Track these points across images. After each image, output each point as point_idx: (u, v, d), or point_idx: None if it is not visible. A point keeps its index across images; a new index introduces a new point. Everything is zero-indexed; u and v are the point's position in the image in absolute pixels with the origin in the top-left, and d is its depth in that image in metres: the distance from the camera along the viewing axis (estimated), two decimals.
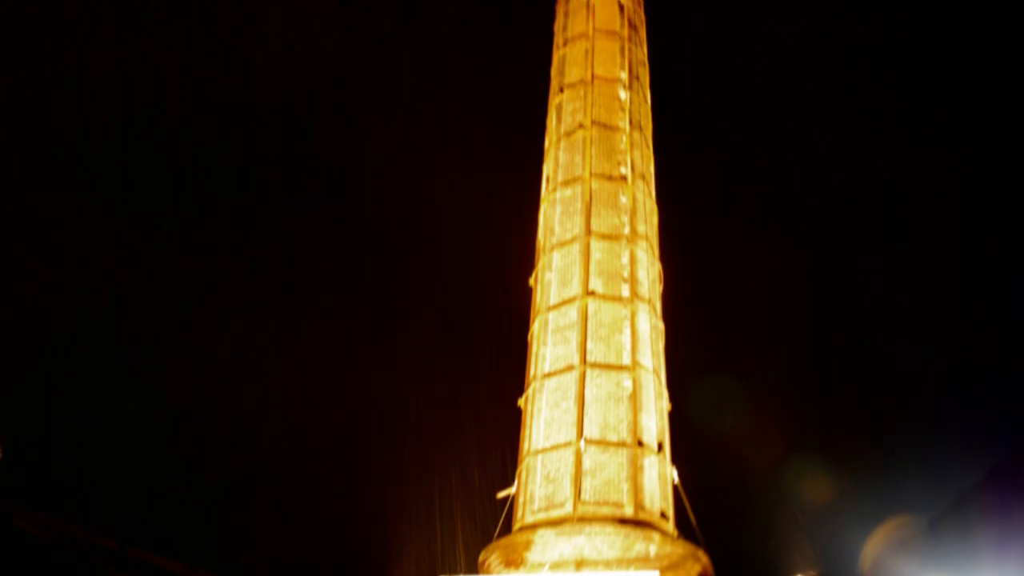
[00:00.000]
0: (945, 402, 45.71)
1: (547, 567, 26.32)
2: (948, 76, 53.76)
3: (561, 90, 33.13)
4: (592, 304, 28.42)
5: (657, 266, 30.69)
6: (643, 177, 31.43)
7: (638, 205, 30.52)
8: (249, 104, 54.31)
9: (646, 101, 33.66)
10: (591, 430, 26.79)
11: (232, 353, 49.42)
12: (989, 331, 48.05)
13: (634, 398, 27.35)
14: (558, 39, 34.78)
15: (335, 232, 54.70)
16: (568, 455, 26.68)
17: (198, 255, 52.38)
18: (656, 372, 28.71)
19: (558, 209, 30.64)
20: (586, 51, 33.24)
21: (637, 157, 31.47)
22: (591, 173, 30.53)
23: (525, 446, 28.16)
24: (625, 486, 26.23)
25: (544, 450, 27.27)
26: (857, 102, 56.19)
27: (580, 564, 25.84)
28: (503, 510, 28.20)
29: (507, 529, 27.60)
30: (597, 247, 29.29)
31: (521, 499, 27.47)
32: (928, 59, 54.76)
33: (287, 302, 52.01)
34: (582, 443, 26.51)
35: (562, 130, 32.08)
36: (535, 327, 29.59)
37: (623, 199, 30.25)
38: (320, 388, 48.56)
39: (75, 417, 44.93)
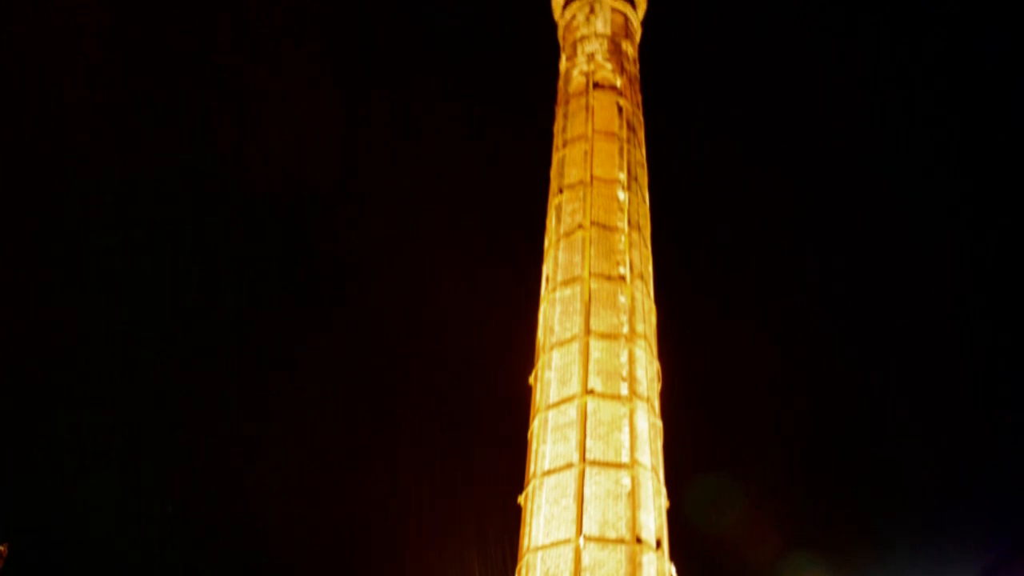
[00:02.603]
0: (941, 500, 45.80)
1: None
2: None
3: (560, 191, 33.62)
4: (591, 402, 28.71)
5: (655, 365, 31.01)
6: (642, 277, 31.85)
7: (637, 305, 30.91)
8: (249, 198, 54.92)
9: (644, 202, 34.12)
10: (590, 527, 26.96)
11: (233, 448, 49.50)
12: (985, 429, 48.30)
13: (633, 495, 27.56)
14: (557, 140, 35.33)
15: (335, 327, 55.04)
16: (567, 552, 26.82)
17: (199, 349, 52.65)
18: (655, 470, 28.92)
19: (557, 308, 31.03)
20: (585, 152, 33.75)
21: (636, 257, 31.91)
22: (590, 273, 30.97)
23: (525, 543, 28.31)
24: None
25: (544, 547, 27.40)
26: (853, 202, 57.02)
27: None
28: None
29: None
30: (596, 346, 29.65)
31: None
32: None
33: (288, 397, 52.17)
34: (581, 540, 26.67)
35: (561, 230, 32.55)
36: (535, 425, 29.86)
37: (622, 299, 30.64)
38: (321, 484, 48.58)
39: (79, 513, 44.97)
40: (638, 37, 37.65)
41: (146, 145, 54.40)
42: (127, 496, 46.40)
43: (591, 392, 28.86)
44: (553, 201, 33.84)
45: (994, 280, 52.01)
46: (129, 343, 51.41)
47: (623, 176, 33.30)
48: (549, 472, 28.42)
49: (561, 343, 30.30)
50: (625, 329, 30.17)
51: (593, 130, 34.17)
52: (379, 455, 49.06)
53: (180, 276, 54.45)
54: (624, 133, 34.40)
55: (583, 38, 36.36)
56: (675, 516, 29.36)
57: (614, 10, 36.82)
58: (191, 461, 48.18)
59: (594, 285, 30.77)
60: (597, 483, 27.58)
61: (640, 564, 26.70)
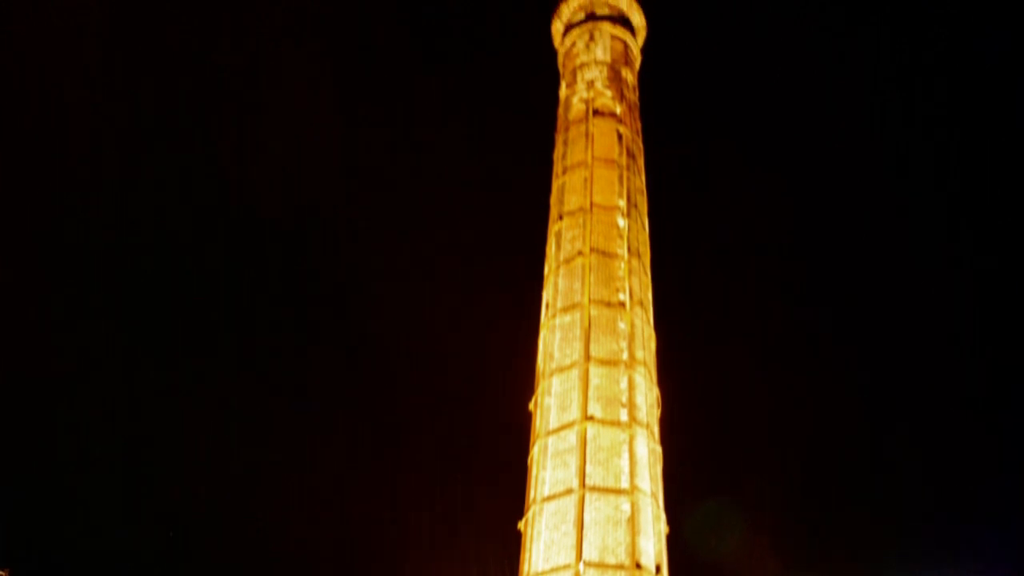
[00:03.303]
0: (942, 523, 45.85)
1: None
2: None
3: (560, 218, 33.77)
4: (591, 429, 28.82)
5: (655, 391, 31.10)
6: (641, 303, 31.97)
7: (636, 331, 31.02)
8: (251, 220, 55.07)
9: (644, 228, 34.25)
10: (590, 553, 27.05)
11: (232, 467, 49.54)
12: (985, 450, 48.36)
13: (632, 521, 27.65)
14: (557, 167, 35.45)
15: (335, 346, 55.12)
16: None
17: (202, 372, 52.72)
18: (654, 495, 29.01)
19: (557, 335, 31.16)
20: (585, 179, 33.90)
21: (635, 284, 32.04)
22: (590, 299, 31.10)
23: (525, 569, 28.39)
24: None
25: (543, 573, 27.49)
26: (853, 206, 57.28)
27: None
28: None
29: None
30: (596, 372, 29.78)
31: None
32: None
33: (289, 422, 52.21)
34: (581, 566, 26.75)
35: (561, 257, 32.69)
36: (535, 451, 29.96)
37: (621, 325, 30.76)
38: (321, 507, 48.63)
39: (81, 539, 45.03)
40: (638, 64, 37.86)
41: (146, 145, 54.67)
42: (130, 518, 46.49)
43: (591, 418, 28.97)
44: (553, 228, 33.99)
45: (994, 284, 52.16)
46: (128, 351, 51.56)
47: (623, 203, 33.41)
48: (549, 498, 28.53)
49: (561, 369, 30.43)
50: (625, 355, 30.29)
51: (593, 157, 34.28)
52: (379, 479, 49.11)
53: (180, 279, 54.63)
54: (624, 160, 34.50)
55: (583, 65, 36.56)
56: (675, 542, 29.49)
57: (614, 37, 37.01)
58: (190, 479, 48.28)
59: (594, 312, 30.90)
60: (597, 509, 27.68)
61: None
